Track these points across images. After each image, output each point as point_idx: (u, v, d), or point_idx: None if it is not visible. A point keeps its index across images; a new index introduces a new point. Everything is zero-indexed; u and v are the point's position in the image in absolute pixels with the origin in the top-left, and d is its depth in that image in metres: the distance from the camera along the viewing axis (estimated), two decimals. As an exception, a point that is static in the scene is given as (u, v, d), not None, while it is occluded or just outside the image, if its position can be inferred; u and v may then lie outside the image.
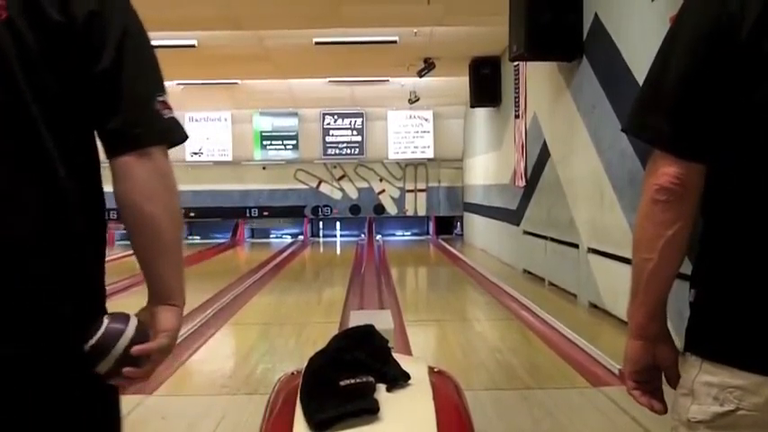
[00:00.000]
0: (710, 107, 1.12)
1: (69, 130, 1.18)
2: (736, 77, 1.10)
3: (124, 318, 1.21)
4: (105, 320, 1.19)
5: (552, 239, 7.98)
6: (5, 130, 1.11)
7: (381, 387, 1.69)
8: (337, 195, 16.14)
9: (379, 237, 15.49)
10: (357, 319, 3.45)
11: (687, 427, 1.17)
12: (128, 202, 1.19)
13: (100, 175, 1.24)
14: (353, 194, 16.15)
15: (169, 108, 1.23)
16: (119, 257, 6.32)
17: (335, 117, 15.89)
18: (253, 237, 16.18)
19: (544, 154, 8.25)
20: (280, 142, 15.75)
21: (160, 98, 1.22)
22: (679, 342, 1.25)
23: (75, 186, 1.17)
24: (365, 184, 16.14)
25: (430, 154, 15.91)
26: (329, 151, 15.97)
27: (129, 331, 1.19)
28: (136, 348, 1.18)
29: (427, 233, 16.26)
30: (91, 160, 1.22)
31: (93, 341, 1.17)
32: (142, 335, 1.20)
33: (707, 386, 1.14)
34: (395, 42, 9.84)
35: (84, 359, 1.17)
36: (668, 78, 1.15)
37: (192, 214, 14.63)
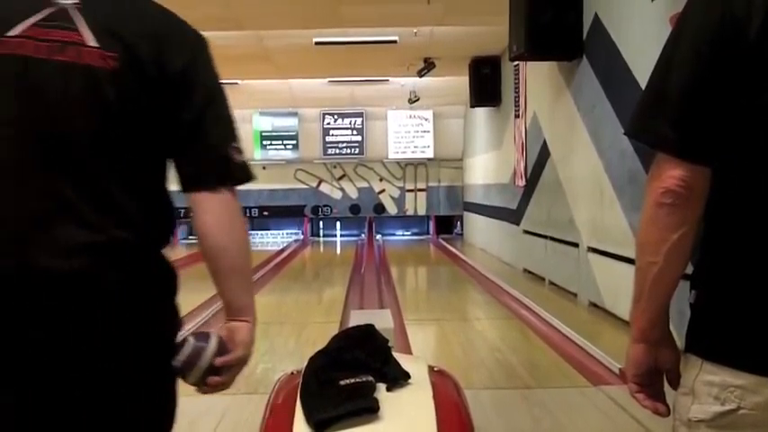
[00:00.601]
0: (715, 110, 1.11)
1: (150, 163, 1.39)
2: (741, 81, 1.08)
3: (206, 336, 1.39)
4: (191, 339, 1.37)
5: (552, 239, 7.98)
6: (105, 156, 1.32)
7: (381, 386, 1.69)
8: (337, 195, 16.14)
9: (379, 236, 15.49)
10: (357, 318, 3.46)
11: (688, 427, 1.17)
12: (205, 234, 1.39)
13: (168, 195, 1.44)
14: (353, 194, 16.15)
15: (241, 153, 1.42)
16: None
17: (335, 117, 15.90)
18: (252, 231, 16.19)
19: (544, 153, 8.26)
20: (280, 142, 15.75)
21: (234, 145, 1.42)
22: (680, 342, 1.25)
23: (151, 203, 1.38)
24: (365, 184, 16.14)
25: (430, 154, 15.91)
26: (329, 151, 15.97)
27: (211, 347, 1.37)
28: (218, 360, 1.37)
29: (427, 233, 16.26)
30: (161, 185, 1.42)
31: (182, 358, 1.36)
32: (222, 348, 1.38)
33: (708, 386, 1.14)
34: (395, 42, 9.84)
35: (174, 371, 1.37)
36: (672, 81, 1.14)
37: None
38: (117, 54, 1.31)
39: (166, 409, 1.43)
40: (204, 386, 1.39)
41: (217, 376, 1.38)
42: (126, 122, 1.32)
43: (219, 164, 1.39)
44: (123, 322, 1.31)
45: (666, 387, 1.28)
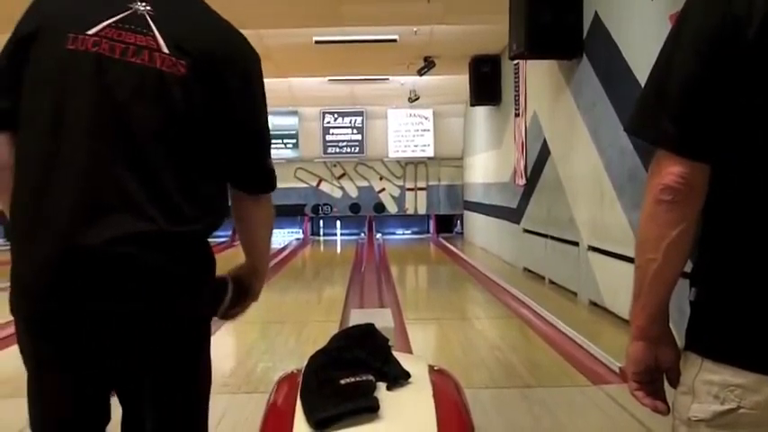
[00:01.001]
0: (716, 108, 1.11)
1: (204, 163, 1.54)
2: (741, 79, 1.09)
3: (225, 282, 1.72)
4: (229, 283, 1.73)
5: (552, 237, 7.98)
6: (166, 154, 1.47)
7: (382, 386, 1.69)
8: (337, 194, 16.14)
9: (379, 235, 15.48)
10: (357, 317, 3.46)
11: (688, 426, 1.17)
12: (247, 227, 1.74)
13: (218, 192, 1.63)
14: (354, 193, 16.15)
15: (271, 161, 1.66)
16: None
17: (335, 116, 15.89)
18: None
19: (544, 152, 8.25)
20: (280, 141, 15.73)
21: (270, 156, 1.66)
22: (680, 340, 1.25)
23: (203, 199, 1.54)
24: (365, 183, 16.14)
25: (430, 152, 15.91)
26: (329, 150, 15.97)
27: (229, 294, 1.72)
28: (232, 312, 1.77)
29: (427, 231, 16.27)
30: (213, 183, 1.58)
31: (226, 302, 1.72)
32: (238, 287, 1.75)
33: (708, 384, 1.14)
34: (395, 41, 9.84)
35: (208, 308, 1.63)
36: (673, 79, 1.14)
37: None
38: (186, 62, 1.45)
39: (201, 366, 1.64)
40: (227, 317, 1.78)
41: (234, 310, 1.77)
42: (187, 125, 1.47)
43: (262, 177, 1.65)
44: (165, 299, 1.47)
45: (667, 386, 1.28)
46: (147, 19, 1.47)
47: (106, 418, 1.60)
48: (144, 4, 1.49)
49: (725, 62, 1.09)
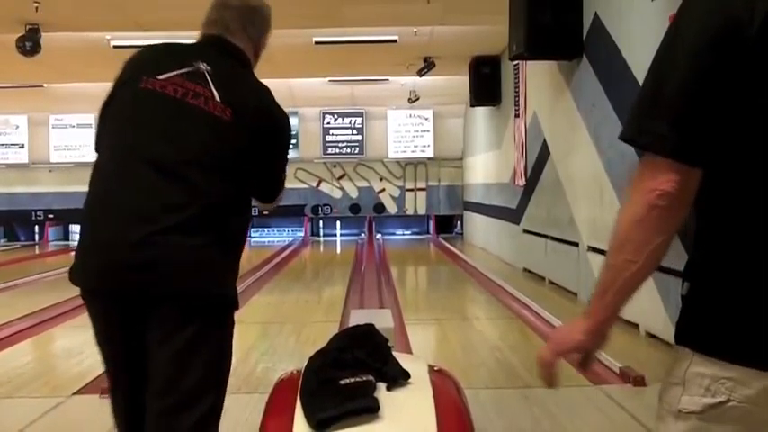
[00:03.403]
0: (715, 113, 1.10)
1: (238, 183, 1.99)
2: (742, 80, 1.08)
3: None
4: None
5: (552, 238, 7.98)
6: (210, 176, 1.91)
7: (381, 386, 1.69)
8: (337, 194, 16.14)
9: (379, 236, 15.48)
10: (357, 318, 3.45)
11: (676, 418, 1.17)
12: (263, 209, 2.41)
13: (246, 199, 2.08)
14: (353, 193, 16.14)
15: (278, 189, 2.28)
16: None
17: (335, 116, 15.89)
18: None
19: (544, 153, 8.26)
20: (280, 141, 15.73)
21: (277, 188, 2.25)
22: (670, 333, 1.25)
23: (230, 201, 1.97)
24: (365, 184, 16.13)
25: (430, 153, 15.91)
26: (329, 150, 15.96)
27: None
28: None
29: (427, 232, 16.26)
30: (241, 191, 2.03)
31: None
32: None
33: (699, 377, 1.14)
34: (395, 42, 9.84)
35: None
36: (670, 84, 1.13)
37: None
38: (230, 110, 1.91)
39: (225, 336, 1.95)
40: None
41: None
42: (229, 156, 1.92)
43: (275, 192, 2.25)
44: (194, 284, 1.86)
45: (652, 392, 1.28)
46: (206, 75, 1.95)
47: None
48: (205, 64, 1.97)
49: (726, 65, 1.08)
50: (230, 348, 1.97)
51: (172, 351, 1.84)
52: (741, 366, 1.10)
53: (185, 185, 1.84)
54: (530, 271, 8.98)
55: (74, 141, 15.86)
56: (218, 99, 1.90)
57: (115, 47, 9.78)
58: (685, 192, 1.13)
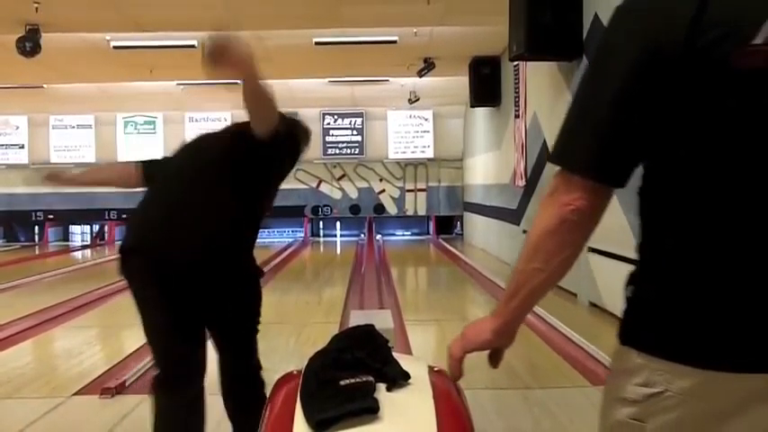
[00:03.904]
0: (635, 137, 1.15)
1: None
2: (665, 105, 1.11)
3: None
4: None
5: (552, 239, 7.97)
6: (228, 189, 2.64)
7: (381, 386, 1.69)
8: (337, 195, 16.15)
9: (379, 236, 15.49)
10: (357, 318, 3.46)
11: (621, 404, 1.22)
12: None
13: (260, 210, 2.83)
14: (353, 194, 16.15)
15: None
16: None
17: (335, 117, 15.90)
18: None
19: (544, 153, 8.26)
20: (280, 142, 15.74)
21: None
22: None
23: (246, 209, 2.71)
24: (365, 184, 16.14)
25: (430, 154, 15.92)
26: (329, 151, 15.97)
27: None
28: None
29: (427, 233, 16.27)
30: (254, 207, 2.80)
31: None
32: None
33: (640, 368, 1.18)
34: (395, 42, 9.84)
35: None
36: (593, 109, 1.18)
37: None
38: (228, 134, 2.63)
39: (256, 294, 2.81)
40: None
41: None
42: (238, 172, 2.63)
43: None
44: (231, 264, 2.69)
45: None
46: None
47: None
48: None
49: (647, 90, 1.12)
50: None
51: None
52: (679, 364, 1.13)
53: None
54: (530, 272, 8.97)
55: (74, 142, 15.88)
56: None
57: (115, 47, 9.80)
58: (596, 209, 1.20)
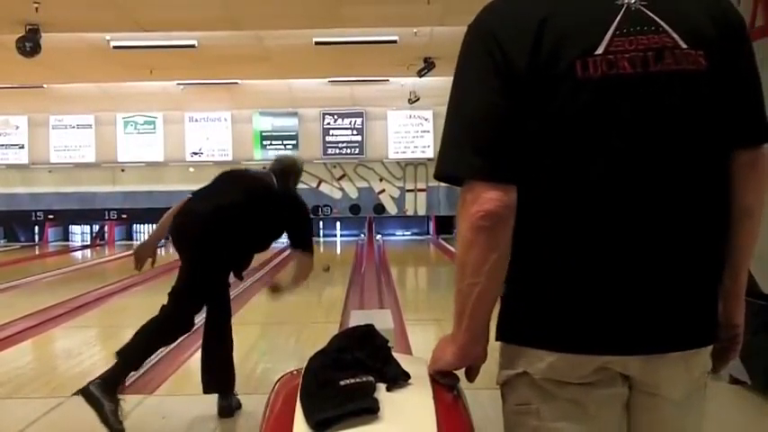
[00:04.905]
0: (509, 135, 1.23)
1: None
2: (523, 106, 1.21)
3: None
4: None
5: (552, 239, 7.98)
6: None
7: (381, 387, 1.69)
8: (337, 195, 16.15)
9: (379, 236, 15.49)
10: (357, 318, 3.46)
11: (501, 387, 1.41)
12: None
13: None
14: (353, 194, 16.15)
15: None
16: (118, 257, 6.32)
17: (335, 117, 15.90)
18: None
19: (544, 153, 8.26)
20: (280, 142, 15.75)
21: None
22: None
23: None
24: (365, 184, 16.14)
25: (430, 153, 15.92)
26: (329, 151, 15.98)
27: None
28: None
29: (427, 233, 16.28)
30: None
31: None
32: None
33: (507, 356, 1.35)
34: (395, 42, 9.85)
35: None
36: (467, 118, 1.28)
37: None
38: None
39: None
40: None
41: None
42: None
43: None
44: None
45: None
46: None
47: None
48: None
49: (506, 94, 1.21)
50: None
51: None
52: (535, 349, 1.28)
53: None
54: (530, 271, 8.98)
55: (74, 142, 15.88)
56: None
57: (115, 47, 9.80)
58: (505, 208, 1.23)
